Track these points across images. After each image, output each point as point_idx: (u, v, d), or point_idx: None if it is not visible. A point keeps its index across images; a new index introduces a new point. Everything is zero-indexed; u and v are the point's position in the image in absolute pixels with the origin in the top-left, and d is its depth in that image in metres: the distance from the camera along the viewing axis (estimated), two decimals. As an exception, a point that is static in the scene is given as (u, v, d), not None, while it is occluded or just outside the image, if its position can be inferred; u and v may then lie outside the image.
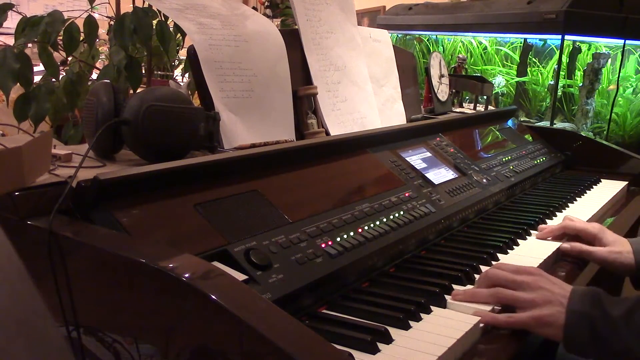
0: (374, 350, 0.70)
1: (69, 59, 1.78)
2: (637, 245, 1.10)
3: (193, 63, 1.10)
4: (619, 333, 0.78)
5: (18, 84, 1.55)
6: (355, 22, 1.50)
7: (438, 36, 3.24)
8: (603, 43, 2.65)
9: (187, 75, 2.15)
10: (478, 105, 2.14)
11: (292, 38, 1.30)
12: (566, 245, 1.13)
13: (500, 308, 0.86)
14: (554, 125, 2.54)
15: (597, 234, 1.14)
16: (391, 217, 1.03)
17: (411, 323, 0.78)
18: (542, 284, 0.85)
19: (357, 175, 1.12)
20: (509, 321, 0.82)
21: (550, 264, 1.09)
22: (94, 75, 1.86)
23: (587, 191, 1.60)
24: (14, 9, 1.68)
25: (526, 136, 1.88)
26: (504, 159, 1.57)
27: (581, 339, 0.80)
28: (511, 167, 1.54)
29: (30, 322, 0.34)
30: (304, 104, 1.27)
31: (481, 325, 0.80)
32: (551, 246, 1.13)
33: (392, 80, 1.60)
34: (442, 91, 1.85)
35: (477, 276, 0.94)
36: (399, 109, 1.60)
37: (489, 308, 0.84)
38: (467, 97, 2.20)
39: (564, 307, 0.82)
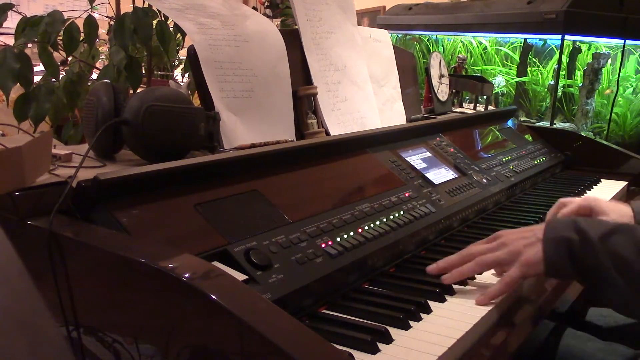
0: (374, 350, 0.70)
1: (69, 59, 1.78)
2: (638, 207, 1.11)
3: (193, 63, 1.10)
4: (595, 252, 0.80)
5: (18, 84, 1.55)
6: (355, 22, 1.50)
7: (438, 36, 3.24)
8: (603, 43, 2.65)
9: (187, 75, 2.15)
10: (478, 105, 2.14)
11: (292, 38, 1.30)
12: None
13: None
14: (554, 125, 2.54)
15: (593, 206, 1.14)
16: (391, 217, 1.03)
17: (411, 323, 0.78)
18: (514, 235, 0.89)
19: (357, 175, 1.12)
20: (506, 281, 0.85)
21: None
22: (94, 75, 1.86)
23: (587, 191, 1.60)
24: (14, 9, 1.68)
25: (526, 136, 1.88)
26: (504, 159, 1.57)
27: (560, 261, 0.82)
28: (511, 167, 1.54)
29: (30, 322, 0.34)
30: (304, 104, 1.27)
31: (481, 316, 0.80)
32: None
33: (392, 80, 1.60)
34: (442, 91, 1.85)
35: (477, 276, 0.94)
36: (399, 109, 1.60)
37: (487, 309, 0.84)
38: (467, 97, 2.21)
39: (541, 241, 0.84)
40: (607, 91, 2.61)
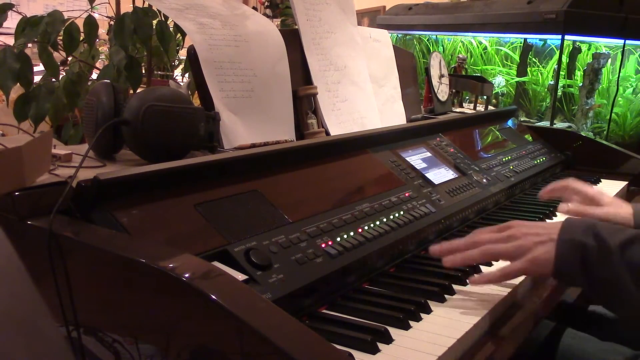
0: (374, 350, 0.70)
1: (69, 59, 1.78)
2: (638, 207, 1.11)
3: (193, 63, 1.10)
4: (611, 261, 0.77)
5: (18, 84, 1.55)
6: (355, 22, 1.50)
7: (438, 36, 3.24)
8: (603, 43, 2.65)
9: (187, 75, 2.15)
10: (478, 105, 2.14)
11: (292, 38, 1.30)
12: (564, 205, 1.14)
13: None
14: (554, 125, 2.54)
15: (595, 196, 1.16)
16: (391, 217, 1.03)
17: (411, 323, 0.78)
18: (526, 230, 0.85)
19: (357, 175, 1.12)
20: (506, 271, 0.82)
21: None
22: (94, 75, 1.86)
23: (587, 191, 1.59)
24: (14, 9, 1.68)
25: (526, 136, 1.88)
26: (504, 159, 1.57)
27: (571, 266, 0.79)
28: (511, 167, 1.54)
29: (30, 322, 0.34)
30: (304, 104, 1.27)
31: (481, 316, 0.80)
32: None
33: (392, 80, 1.60)
34: (442, 91, 1.85)
35: (476, 276, 0.93)
36: (399, 109, 1.60)
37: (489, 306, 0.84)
38: (467, 97, 2.20)
39: (555, 241, 0.81)
40: (595, 105, 2.61)
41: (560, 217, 1.28)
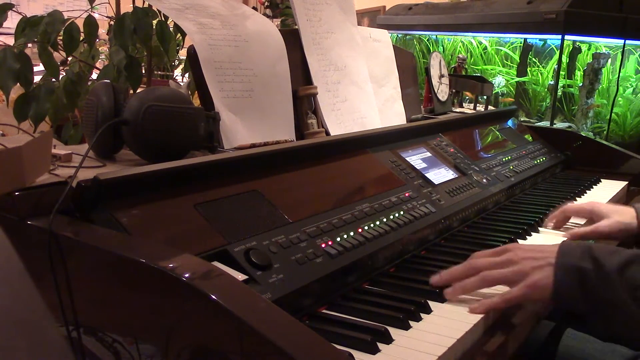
0: (374, 350, 0.70)
1: (69, 59, 1.78)
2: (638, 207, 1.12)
3: (193, 63, 1.10)
4: (611, 285, 0.77)
5: (18, 84, 1.55)
6: (355, 22, 1.50)
7: (438, 36, 3.24)
8: (603, 43, 2.65)
9: (187, 75, 2.15)
10: (478, 105, 2.14)
11: (292, 38, 1.30)
12: (571, 233, 1.16)
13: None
14: (554, 125, 2.54)
15: (592, 210, 1.17)
16: (391, 217, 1.03)
17: (411, 323, 0.78)
18: (524, 254, 0.85)
19: (357, 175, 1.12)
20: (505, 298, 0.82)
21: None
22: (94, 75, 1.86)
23: (587, 191, 1.60)
24: (14, 9, 1.68)
25: (526, 136, 1.88)
26: (504, 159, 1.57)
27: (570, 290, 0.79)
28: (511, 167, 1.54)
29: (30, 322, 0.34)
30: (304, 104, 1.27)
31: (481, 316, 0.80)
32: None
33: (392, 80, 1.60)
34: (442, 91, 1.85)
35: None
36: (399, 109, 1.60)
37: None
38: (467, 98, 2.20)
39: (552, 266, 0.81)
40: (594, 105, 2.61)
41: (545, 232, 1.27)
